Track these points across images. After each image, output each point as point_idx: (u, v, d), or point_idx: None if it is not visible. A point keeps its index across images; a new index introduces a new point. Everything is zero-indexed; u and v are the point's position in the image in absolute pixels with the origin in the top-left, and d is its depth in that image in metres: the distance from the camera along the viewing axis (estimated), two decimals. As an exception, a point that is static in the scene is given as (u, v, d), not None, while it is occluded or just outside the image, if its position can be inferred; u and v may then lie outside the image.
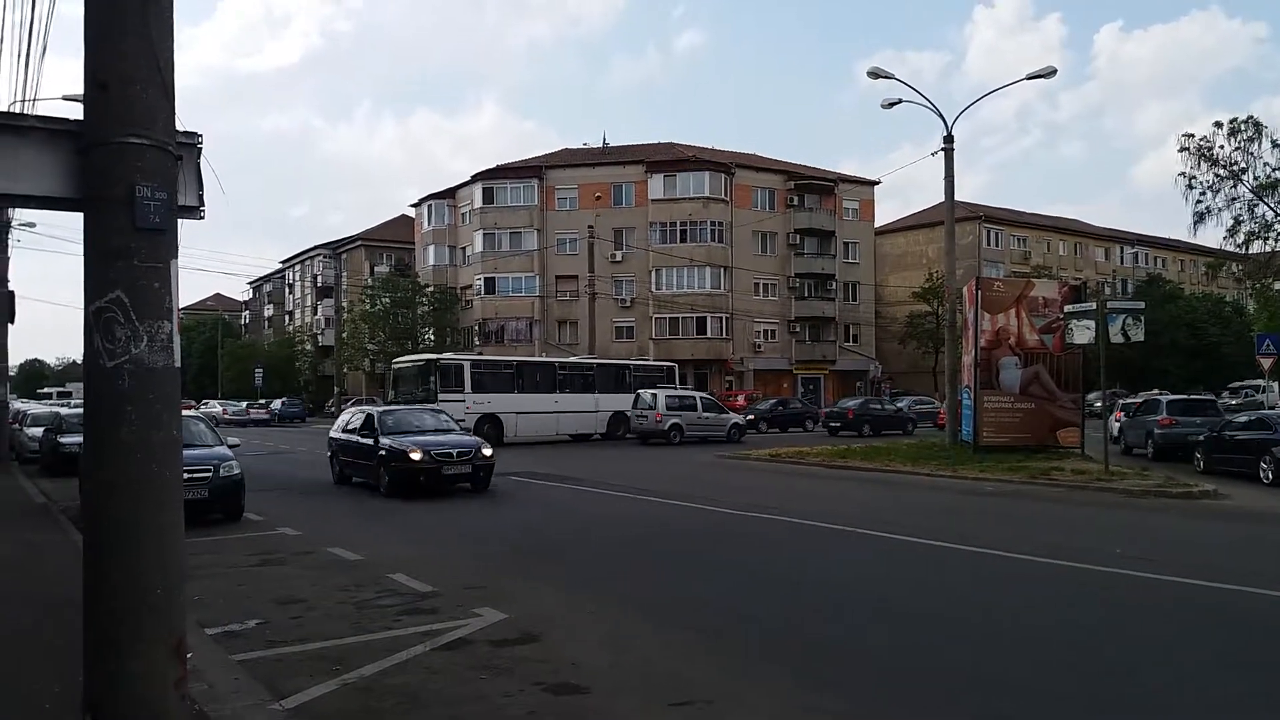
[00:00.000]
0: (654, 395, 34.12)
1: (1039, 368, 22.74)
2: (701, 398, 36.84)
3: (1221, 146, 28.43)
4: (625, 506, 15.66)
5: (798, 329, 64.83)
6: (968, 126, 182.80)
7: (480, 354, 55.94)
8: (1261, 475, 17.52)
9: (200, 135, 4.78)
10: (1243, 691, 5.78)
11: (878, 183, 69.81)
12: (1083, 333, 19.64)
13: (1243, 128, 28.64)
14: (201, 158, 4.82)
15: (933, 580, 9.23)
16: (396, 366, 36.01)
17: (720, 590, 8.72)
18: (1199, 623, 7.49)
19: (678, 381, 41.02)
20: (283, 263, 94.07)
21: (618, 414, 35.98)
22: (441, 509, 15.38)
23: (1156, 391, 32.63)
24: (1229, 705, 5.55)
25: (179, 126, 4.42)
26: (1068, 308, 21.15)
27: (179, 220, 4.40)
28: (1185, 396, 28.04)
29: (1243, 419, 20.39)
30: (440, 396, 29.64)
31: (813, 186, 65.87)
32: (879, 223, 73.55)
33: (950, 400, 25.69)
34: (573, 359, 42.05)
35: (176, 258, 4.33)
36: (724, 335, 60.99)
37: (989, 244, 73.61)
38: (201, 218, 4.87)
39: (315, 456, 26.82)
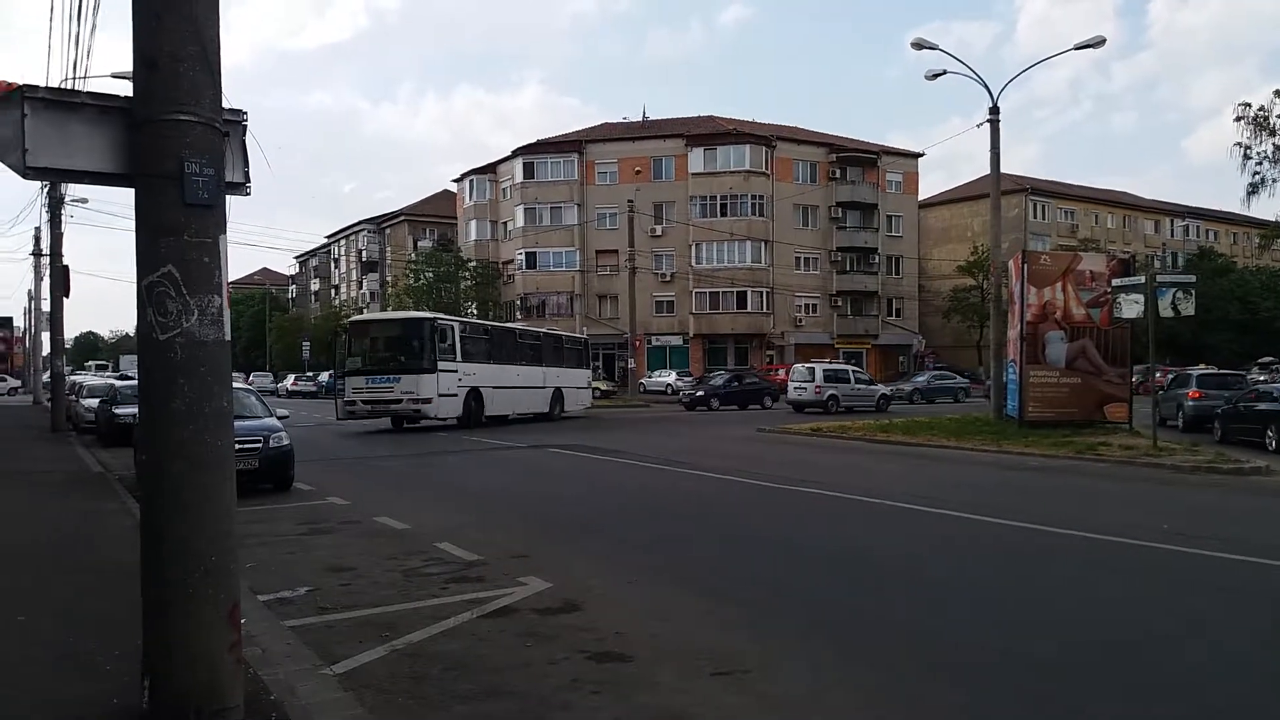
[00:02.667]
0: (811, 369, 37.44)
1: (1086, 342, 22.37)
2: (854, 371, 39.89)
3: (1279, 116, 27.54)
4: (664, 479, 15.71)
5: (839, 303, 64.33)
6: (1018, 98, 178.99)
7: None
8: (1266, 443, 19.04)
9: (245, 113, 4.84)
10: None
11: (922, 155, 68.86)
12: (1131, 307, 19.29)
13: (1301, 96, 27.75)
14: (247, 134, 4.88)
15: (974, 556, 9.17)
16: (365, 324, 30.98)
17: (761, 563, 8.74)
18: (1247, 600, 7.38)
19: (589, 357, 39.37)
20: (328, 238, 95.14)
21: (559, 390, 33.58)
22: (489, 481, 15.57)
23: (1203, 366, 32.27)
24: (1267, 684, 5.48)
25: (225, 104, 4.49)
26: (1116, 282, 20.77)
27: (227, 196, 4.48)
28: (1214, 371, 29.30)
29: (1252, 394, 21.78)
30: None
31: (855, 159, 65.12)
32: (924, 195, 72.61)
33: (995, 375, 25.40)
34: (519, 325, 40.09)
35: (225, 233, 4.40)
36: (765, 310, 60.71)
37: (1035, 217, 72.35)
38: (248, 194, 4.93)
39: (362, 427, 27.27)
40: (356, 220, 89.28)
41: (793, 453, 20.54)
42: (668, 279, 60.26)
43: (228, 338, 4.40)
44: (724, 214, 60.05)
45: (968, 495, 13.02)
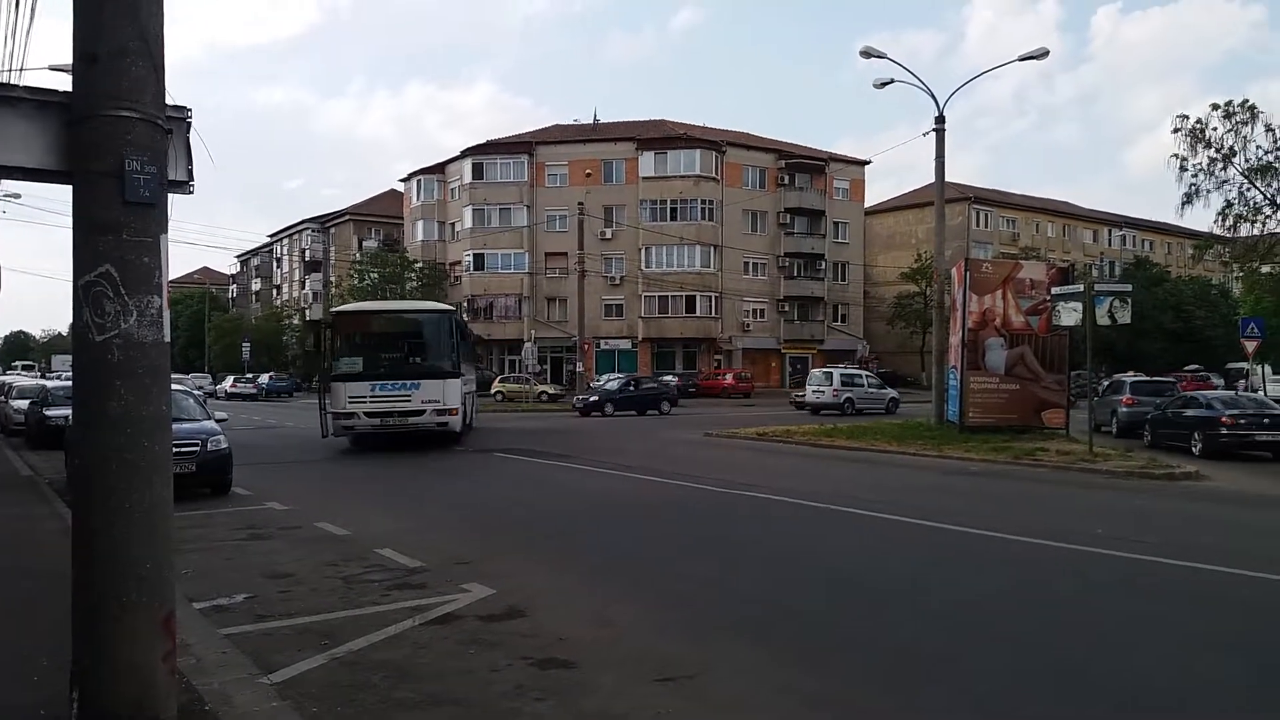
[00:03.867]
0: (829, 374, 40.04)
1: (1024, 349, 22.85)
2: (866, 376, 42.27)
3: (1215, 129, 28.48)
4: (611, 483, 15.71)
5: (786, 308, 64.93)
6: (964, 108, 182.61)
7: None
8: (1192, 447, 19.90)
9: (189, 109, 4.73)
10: (1211, 664, 5.88)
11: (868, 163, 69.82)
12: (1069, 315, 19.74)
13: (1237, 111, 28.66)
14: (192, 131, 4.79)
15: (914, 560, 9.32)
16: (365, 316, 23.50)
17: (706, 567, 8.78)
18: (1178, 602, 7.59)
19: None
20: (270, 236, 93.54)
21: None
22: (433, 485, 15.44)
23: (1132, 374, 33.24)
24: (1201, 683, 5.65)
25: (169, 99, 4.39)
26: (1055, 290, 21.24)
27: (169, 195, 4.38)
28: (1146, 379, 30.31)
29: (1180, 401, 22.64)
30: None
31: (803, 166, 65.82)
32: (870, 203, 73.66)
33: (937, 380, 25.83)
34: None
35: (166, 232, 4.31)
36: (713, 314, 61.04)
37: (978, 225, 73.67)
38: (191, 192, 4.83)
39: (304, 432, 26.84)
40: (300, 219, 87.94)
41: (737, 456, 20.66)
42: (617, 282, 60.32)
43: (167, 339, 4.31)
44: (674, 218, 60.28)
45: (906, 499, 13.19)
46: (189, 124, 4.72)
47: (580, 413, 38.29)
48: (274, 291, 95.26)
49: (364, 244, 74.72)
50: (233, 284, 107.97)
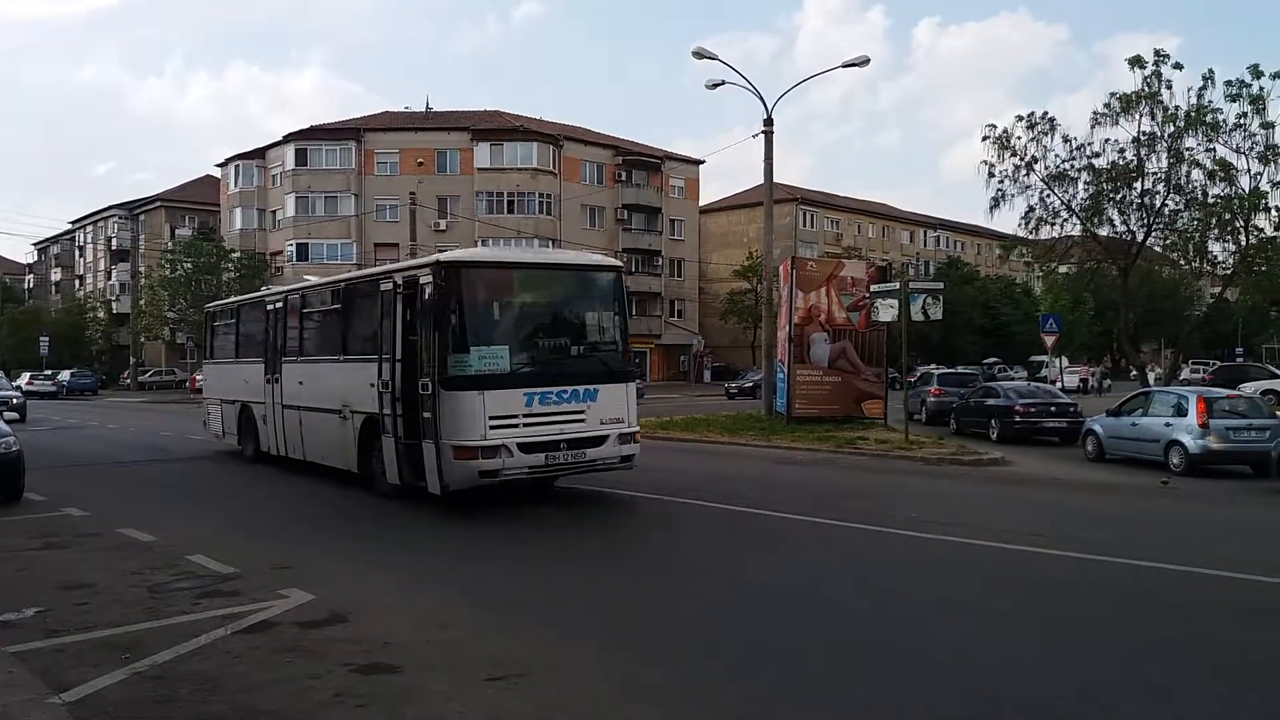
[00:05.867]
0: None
1: (845, 343, 23.92)
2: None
3: (1019, 138, 30.46)
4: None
5: (624, 303, 65.57)
6: (795, 111, 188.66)
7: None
8: (989, 433, 21.59)
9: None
10: (1015, 636, 6.31)
11: (702, 162, 71.32)
12: (887, 311, 20.81)
13: (1039, 122, 30.82)
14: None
15: (740, 546, 9.57)
16: (505, 271, 12.93)
17: (532, 562, 8.74)
18: (971, 580, 8.11)
19: None
20: (72, 223, 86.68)
21: None
22: (249, 486, 14.70)
23: (933, 366, 35.67)
24: (1002, 655, 6.04)
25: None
26: (874, 287, 22.38)
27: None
28: (952, 370, 32.47)
29: (981, 391, 24.40)
30: None
31: (640, 163, 66.58)
32: (705, 201, 75.34)
33: (766, 374, 26.68)
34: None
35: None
36: (551, 308, 60.76)
37: (805, 225, 76.67)
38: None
39: (110, 432, 25.05)
40: (107, 205, 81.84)
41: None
42: (452, 275, 59.12)
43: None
44: (511, 211, 59.73)
45: (732, 488, 13.51)
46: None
47: None
48: (76, 282, 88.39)
49: (177, 232, 70.45)
50: (29, 274, 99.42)
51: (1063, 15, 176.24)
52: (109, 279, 79.82)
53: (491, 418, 10.99)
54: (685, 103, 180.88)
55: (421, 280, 11.65)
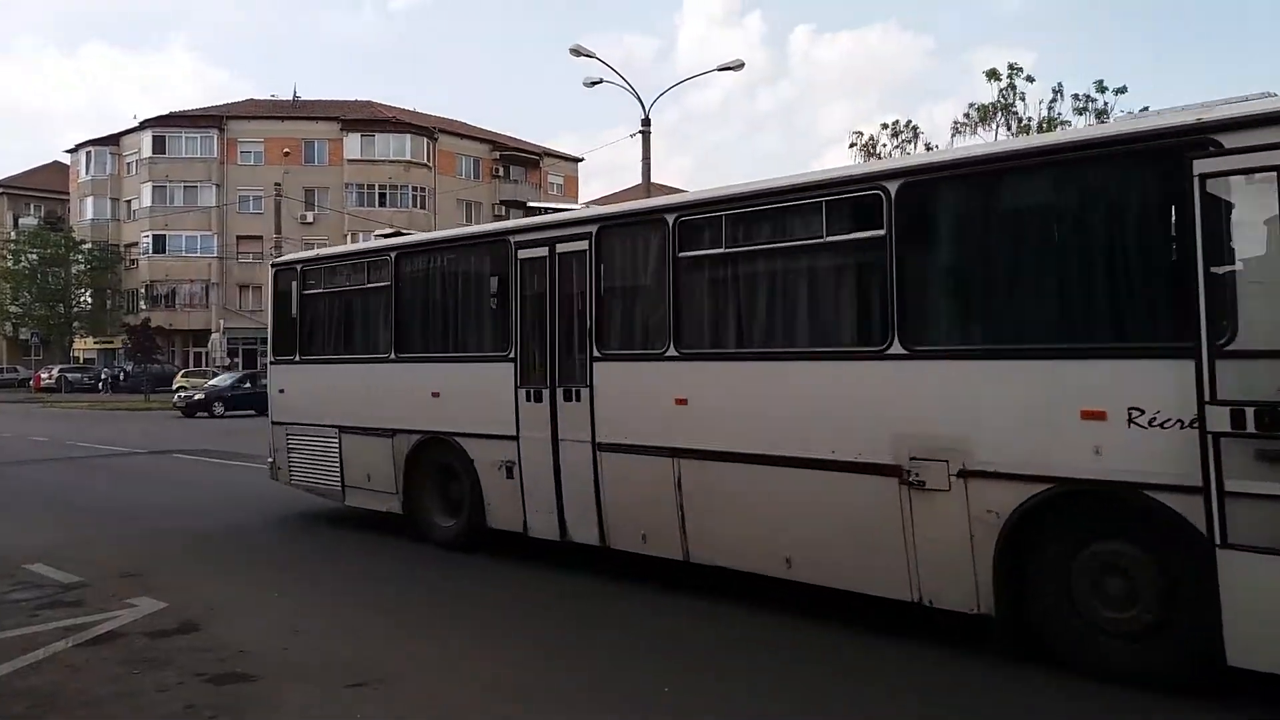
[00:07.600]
0: None
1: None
2: None
3: (884, 145, 31.68)
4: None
5: (499, 299, 64.98)
6: (677, 112, 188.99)
7: (147, 321, 50.75)
8: None
9: None
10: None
11: (581, 160, 71.28)
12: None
13: (903, 130, 32.17)
14: None
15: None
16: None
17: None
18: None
19: None
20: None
21: None
22: (100, 490, 13.90)
23: None
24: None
25: None
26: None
27: None
28: None
29: None
30: None
31: (519, 158, 66.16)
32: (585, 199, 75.33)
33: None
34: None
35: None
36: (427, 304, 59.71)
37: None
38: None
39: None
40: (-61, 189, 75.93)
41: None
42: (321, 269, 57.38)
43: None
44: (383, 204, 58.21)
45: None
46: None
47: (183, 413, 32.33)
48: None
49: (20, 221, 66.04)
50: None
51: (930, 27, 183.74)
52: (-59, 270, 74.20)
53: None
54: (568, 99, 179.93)
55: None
